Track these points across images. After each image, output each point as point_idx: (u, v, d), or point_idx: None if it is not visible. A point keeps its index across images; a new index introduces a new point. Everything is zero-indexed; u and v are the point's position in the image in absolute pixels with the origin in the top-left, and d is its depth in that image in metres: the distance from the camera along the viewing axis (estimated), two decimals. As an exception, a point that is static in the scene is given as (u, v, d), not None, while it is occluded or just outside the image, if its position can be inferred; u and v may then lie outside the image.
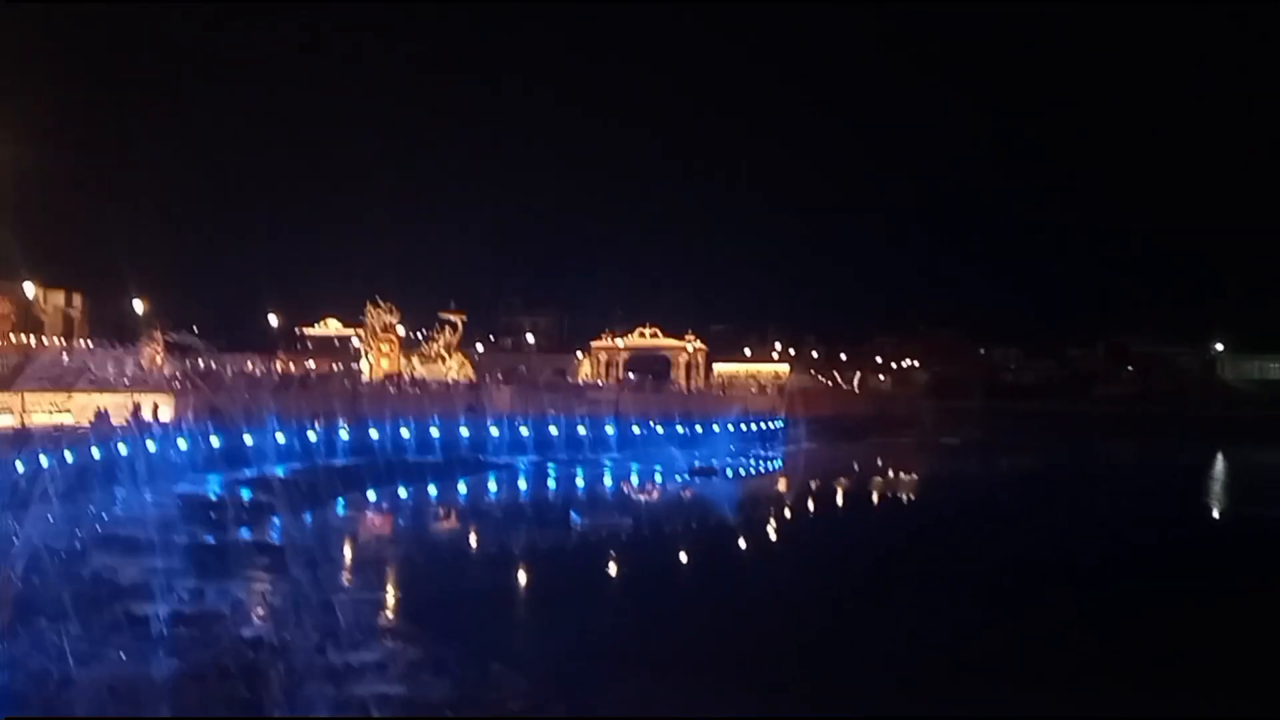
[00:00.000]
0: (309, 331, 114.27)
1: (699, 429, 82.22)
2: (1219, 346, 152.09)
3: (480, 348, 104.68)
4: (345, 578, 32.75)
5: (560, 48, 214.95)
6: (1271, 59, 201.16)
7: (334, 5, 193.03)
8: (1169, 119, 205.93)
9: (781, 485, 69.27)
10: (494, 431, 69.13)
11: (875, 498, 64.40)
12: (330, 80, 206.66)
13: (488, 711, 20.83)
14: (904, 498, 66.93)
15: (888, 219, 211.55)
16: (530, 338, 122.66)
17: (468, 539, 43.76)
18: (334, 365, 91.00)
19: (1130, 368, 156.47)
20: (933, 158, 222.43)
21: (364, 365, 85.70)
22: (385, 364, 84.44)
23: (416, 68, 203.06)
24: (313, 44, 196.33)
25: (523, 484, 60.78)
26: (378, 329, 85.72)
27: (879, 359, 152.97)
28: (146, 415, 51.69)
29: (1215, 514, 60.88)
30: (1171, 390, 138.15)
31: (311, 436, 58.73)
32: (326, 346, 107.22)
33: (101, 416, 48.50)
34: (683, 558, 40.10)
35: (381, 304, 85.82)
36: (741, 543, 43.08)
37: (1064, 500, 60.39)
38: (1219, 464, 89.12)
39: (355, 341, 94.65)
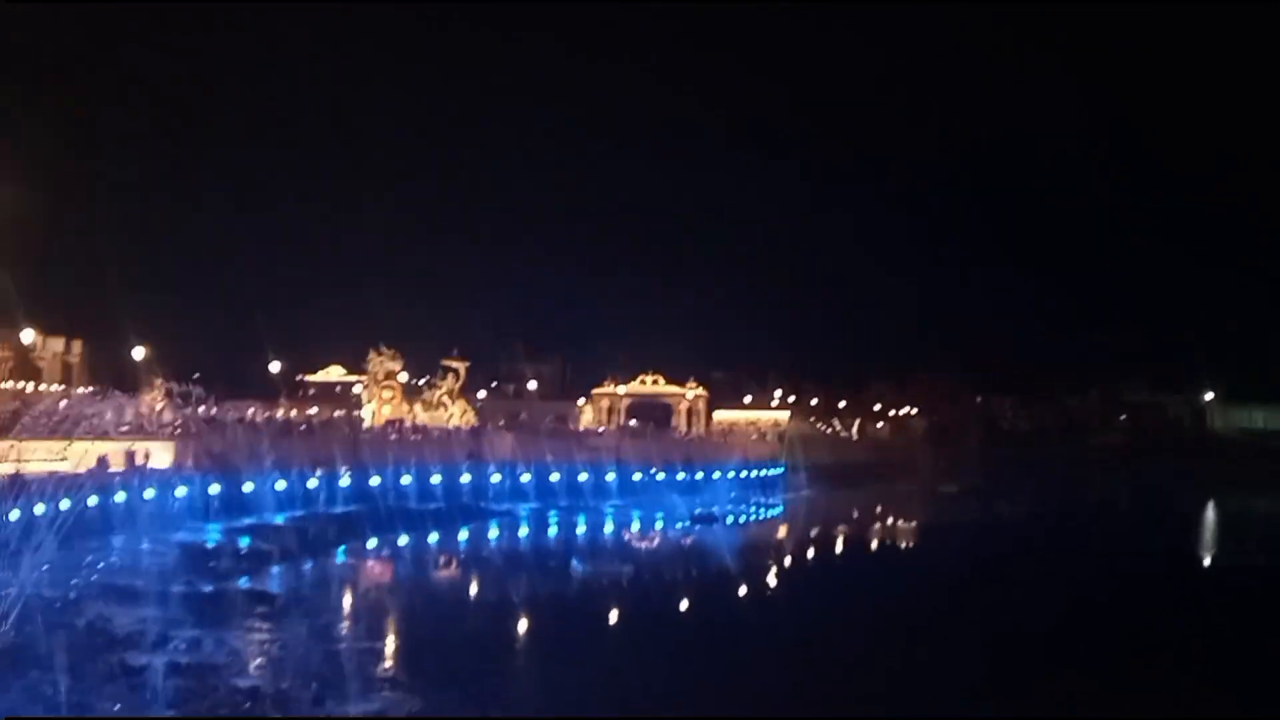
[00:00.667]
0: (311, 378, 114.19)
1: (700, 476, 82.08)
2: (1209, 395, 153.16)
3: (483, 395, 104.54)
4: (345, 627, 32.50)
5: (562, 96, 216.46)
6: (1258, 115, 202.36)
7: (335, 51, 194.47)
8: (1162, 170, 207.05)
9: (782, 533, 69.15)
10: (496, 478, 68.90)
11: (876, 546, 64.14)
12: (333, 128, 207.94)
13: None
14: (904, 546, 66.65)
15: (885, 267, 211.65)
16: (532, 385, 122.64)
17: (468, 588, 43.47)
18: (336, 412, 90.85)
19: (1123, 416, 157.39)
20: (931, 206, 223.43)
21: (366, 412, 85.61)
22: (387, 410, 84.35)
23: (419, 115, 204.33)
24: (315, 91, 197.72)
25: (524, 531, 60.55)
26: (380, 376, 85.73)
27: (877, 406, 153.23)
28: (141, 462, 51.34)
29: (1206, 563, 60.73)
30: (1163, 439, 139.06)
31: (312, 483, 58.41)
32: (329, 393, 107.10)
33: (101, 463, 48.25)
34: (683, 606, 39.83)
35: (384, 351, 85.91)
36: (743, 591, 42.83)
37: (1065, 552, 59.91)
38: (1210, 514, 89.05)
39: (358, 388, 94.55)
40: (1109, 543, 65.12)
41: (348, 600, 37.46)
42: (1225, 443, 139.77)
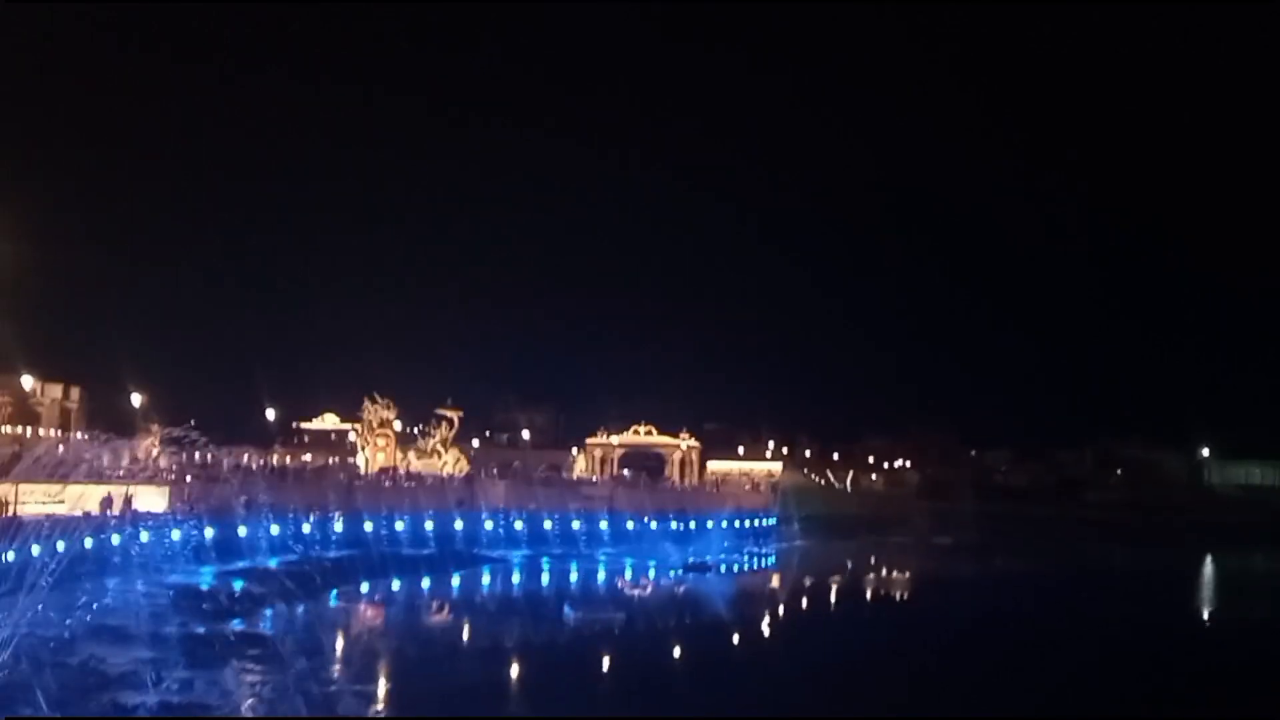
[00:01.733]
0: (306, 426, 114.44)
1: (693, 525, 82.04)
2: (1205, 452, 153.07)
3: (476, 443, 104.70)
4: (335, 670, 32.63)
5: (560, 147, 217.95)
6: (1259, 160, 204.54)
7: (332, 98, 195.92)
8: (1157, 226, 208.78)
9: (774, 583, 69.09)
10: (489, 525, 68.97)
11: (869, 597, 64.18)
12: (330, 175, 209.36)
13: None
14: (897, 598, 66.68)
15: (880, 321, 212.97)
16: (526, 434, 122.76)
17: (459, 633, 43.55)
18: (330, 459, 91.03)
19: (1119, 472, 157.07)
20: (926, 261, 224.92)
21: (360, 459, 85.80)
22: (381, 458, 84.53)
23: (416, 162, 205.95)
24: (312, 139, 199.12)
25: (516, 578, 60.58)
26: (374, 424, 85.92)
27: (871, 459, 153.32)
28: (135, 506, 51.53)
29: (1203, 623, 60.58)
30: (1159, 496, 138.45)
31: (306, 528, 58.57)
32: (323, 441, 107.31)
33: (104, 505, 48.56)
34: (675, 653, 39.93)
35: (379, 400, 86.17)
36: (735, 640, 42.94)
37: (1058, 607, 59.74)
38: (1206, 572, 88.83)
39: (352, 436, 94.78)
40: (1102, 603, 64.68)
41: (339, 644, 37.60)
42: (1221, 499, 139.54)
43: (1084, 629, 48.96)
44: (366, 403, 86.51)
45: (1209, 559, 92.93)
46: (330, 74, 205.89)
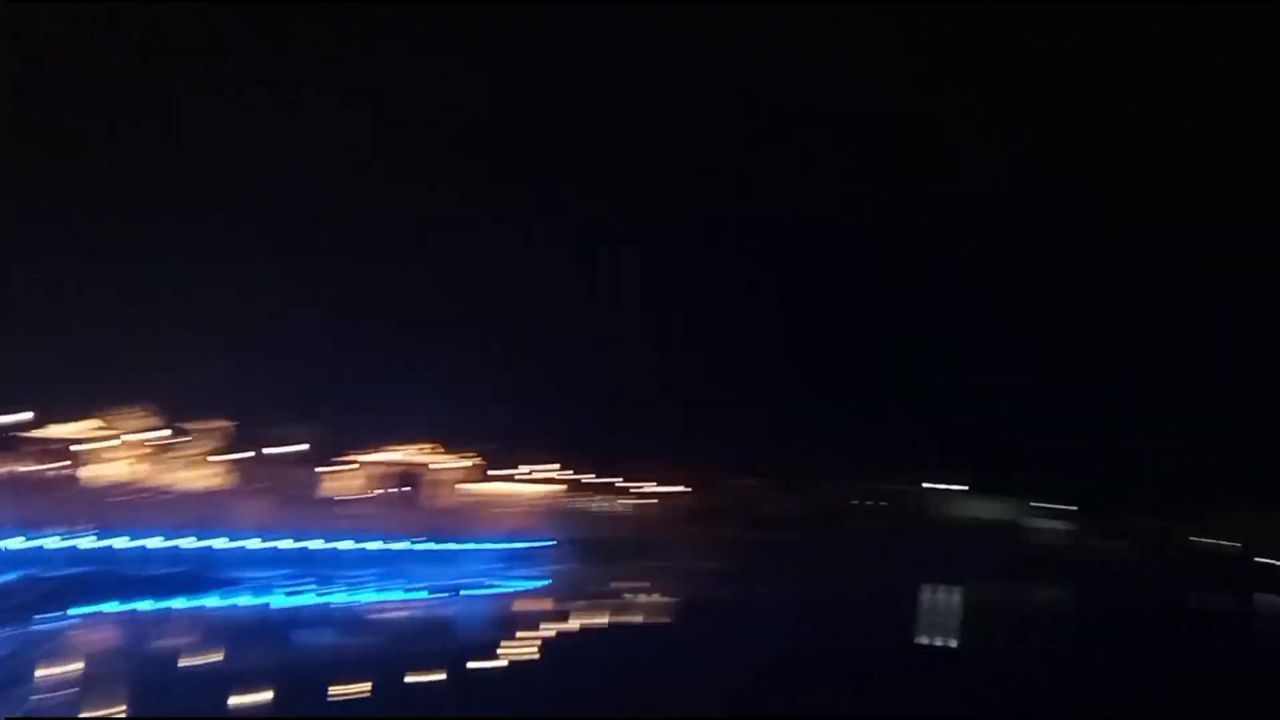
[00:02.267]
0: (56, 433, 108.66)
1: (460, 547, 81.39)
2: (964, 486, 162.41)
3: (239, 456, 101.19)
4: (42, 698, 30.66)
5: (353, 158, 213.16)
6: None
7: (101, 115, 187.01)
8: (928, 260, 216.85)
9: (541, 605, 68.92)
10: (244, 544, 66.57)
11: (634, 622, 64.63)
12: (110, 171, 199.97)
13: None
14: (656, 622, 67.41)
15: (653, 345, 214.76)
16: (294, 448, 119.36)
17: (193, 658, 41.51)
18: (82, 468, 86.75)
19: (883, 503, 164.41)
20: (703, 286, 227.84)
21: (113, 469, 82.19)
22: (135, 469, 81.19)
23: (196, 163, 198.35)
24: (93, 142, 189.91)
25: (266, 599, 58.61)
26: (130, 432, 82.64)
27: (646, 482, 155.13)
28: None
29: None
30: (916, 526, 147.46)
31: (43, 543, 55.16)
32: (73, 449, 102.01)
33: None
34: (432, 679, 38.96)
35: (135, 407, 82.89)
36: (494, 664, 42.39)
37: (799, 627, 61.38)
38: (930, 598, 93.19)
39: (103, 444, 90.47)
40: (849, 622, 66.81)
41: (56, 669, 35.39)
42: (972, 530, 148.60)
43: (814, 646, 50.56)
44: (123, 410, 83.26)
45: (943, 587, 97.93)
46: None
